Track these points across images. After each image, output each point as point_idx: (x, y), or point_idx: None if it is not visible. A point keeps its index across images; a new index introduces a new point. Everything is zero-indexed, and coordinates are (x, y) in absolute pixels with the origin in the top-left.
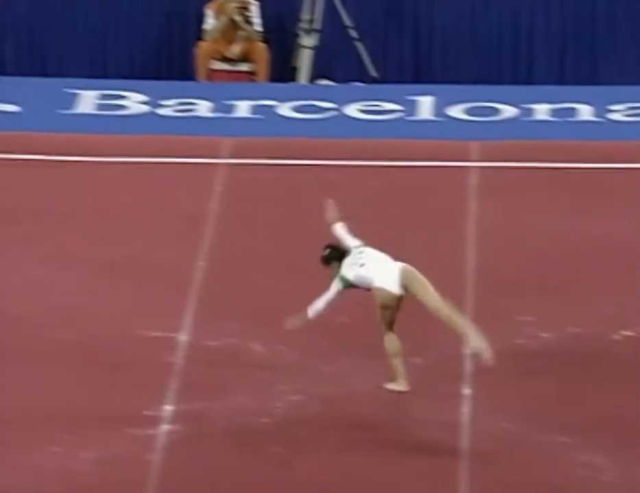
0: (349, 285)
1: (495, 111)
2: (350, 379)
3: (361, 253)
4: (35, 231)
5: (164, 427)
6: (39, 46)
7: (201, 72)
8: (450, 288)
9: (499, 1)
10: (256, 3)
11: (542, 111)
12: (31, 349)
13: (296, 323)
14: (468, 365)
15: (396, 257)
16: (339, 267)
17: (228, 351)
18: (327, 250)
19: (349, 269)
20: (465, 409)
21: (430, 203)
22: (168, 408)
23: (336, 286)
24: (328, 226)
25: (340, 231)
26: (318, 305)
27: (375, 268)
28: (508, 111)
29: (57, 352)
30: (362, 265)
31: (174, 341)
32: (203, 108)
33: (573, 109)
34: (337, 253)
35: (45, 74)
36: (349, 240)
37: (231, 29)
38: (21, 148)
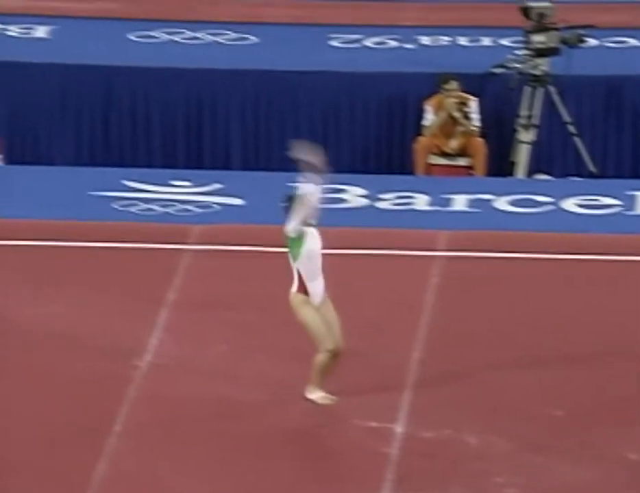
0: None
1: None
2: (565, 471)
3: None
4: (259, 320)
5: None
6: (263, 142)
7: (419, 167)
8: None
9: None
10: (475, 99)
11: None
12: (247, 436)
13: None
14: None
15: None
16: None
17: (443, 442)
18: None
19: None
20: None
21: None
22: None
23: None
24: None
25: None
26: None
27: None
28: None
29: (268, 438)
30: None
31: (390, 431)
32: (420, 202)
33: None
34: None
35: (269, 168)
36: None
37: (450, 125)
38: (245, 240)
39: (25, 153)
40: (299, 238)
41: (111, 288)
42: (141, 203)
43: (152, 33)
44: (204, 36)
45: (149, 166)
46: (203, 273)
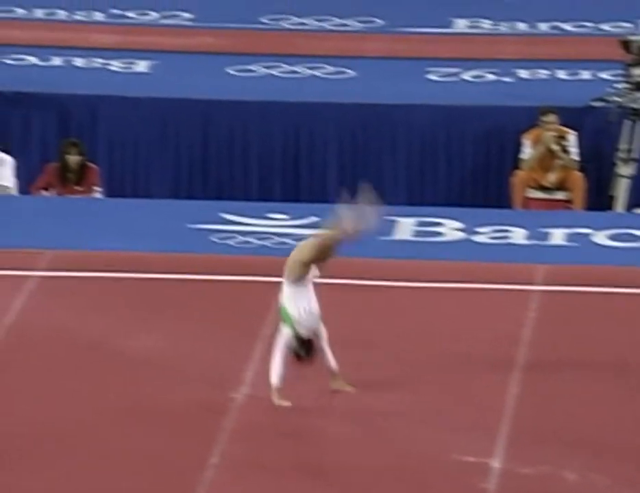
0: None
1: None
2: None
3: None
4: (356, 355)
5: None
6: (360, 175)
7: (517, 200)
8: None
9: None
10: (574, 132)
11: None
12: (344, 469)
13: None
14: None
15: None
16: None
17: (541, 478)
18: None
19: None
20: None
21: None
22: None
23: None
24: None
25: None
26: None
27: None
28: None
29: (365, 472)
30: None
31: (487, 467)
32: (518, 235)
33: None
34: None
35: None
36: None
37: (548, 158)
38: (339, 272)
39: (124, 186)
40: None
41: (208, 320)
42: (238, 236)
43: (250, 67)
44: (302, 70)
45: (247, 198)
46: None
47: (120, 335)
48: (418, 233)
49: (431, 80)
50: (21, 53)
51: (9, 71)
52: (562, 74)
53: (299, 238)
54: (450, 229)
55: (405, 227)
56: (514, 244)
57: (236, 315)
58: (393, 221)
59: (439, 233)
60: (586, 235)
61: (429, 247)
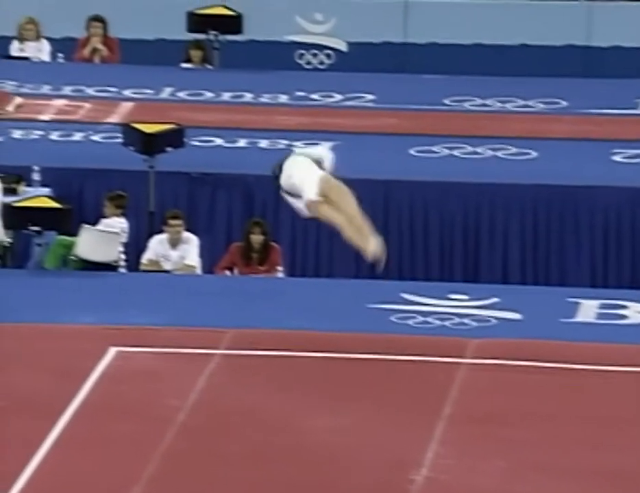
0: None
1: None
2: None
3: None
4: (535, 437)
5: None
6: (542, 256)
7: None
8: None
9: None
10: None
11: None
12: None
13: None
14: None
15: None
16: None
17: None
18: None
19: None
20: None
21: None
22: None
23: None
24: None
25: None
26: None
27: (298, 176)
28: None
29: None
30: (289, 176)
31: None
32: None
33: None
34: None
35: (547, 283)
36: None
37: None
38: (522, 354)
39: (305, 266)
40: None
41: (388, 400)
42: (418, 316)
43: (433, 148)
44: (484, 151)
45: (427, 278)
46: (480, 387)
47: (302, 415)
48: (601, 316)
49: (616, 161)
50: (209, 135)
51: (197, 153)
52: None
53: (480, 319)
54: (635, 311)
55: (589, 309)
56: None
57: (416, 396)
58: (576, 303)
59: (623, 316)
60: None
61: (612, 330)
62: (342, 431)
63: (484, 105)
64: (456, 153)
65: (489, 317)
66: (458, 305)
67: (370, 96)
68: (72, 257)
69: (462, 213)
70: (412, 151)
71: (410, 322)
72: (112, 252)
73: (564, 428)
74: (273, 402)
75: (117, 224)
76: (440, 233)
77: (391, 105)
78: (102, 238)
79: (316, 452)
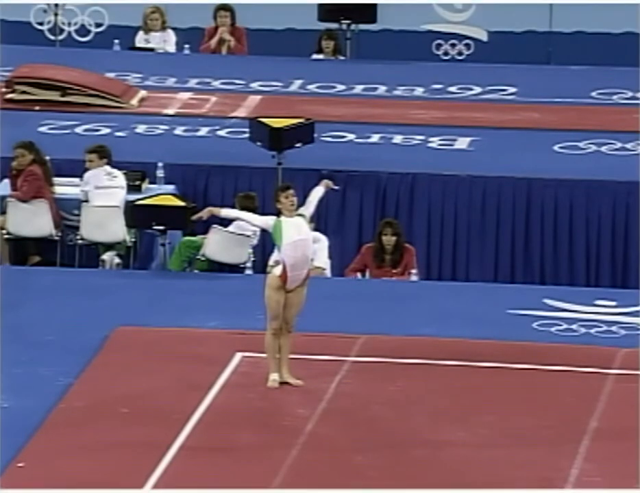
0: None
1: None
2: None
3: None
4: None
5: None
6: None
7: None
8: None
9: None
10: None
11: None
12: None
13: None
14: None
15: None
16: None
17: None
18: None
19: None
20: None
21: None
22: None
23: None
24: None
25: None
26: None
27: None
28: None
29: None
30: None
31: None
32: None
33: None
34: None
35: None
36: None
37: None
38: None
39: (442, 268)
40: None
41: (529, 411)
42: (562, 323)
43: (579, 145)
44: (634, 147)
45: (572, 284)
46: (627, 399)
47: (436, 427)
48: None
49: None
50: (340, 130)
51: (327, 149)
52: None
53: (627, 327)
54: None
55: None
56: None
57: (559, 407)
58: None
59: None
60: None
61: None
62: (478, 444)
63: (634, 97)
64: (603, 149)
65: (639, 325)
66: (605, 311)
67: (511, 89)
68: (199, 257)
69: (609, 214)
70: (556, 148)
71: (553, 329)
72: (242, 254)
73: None
74: (405, 413)
75: (249, 227)
76: (586, 235)
77: (534, 99)
78: (233, 241)
79: (447, 463)
